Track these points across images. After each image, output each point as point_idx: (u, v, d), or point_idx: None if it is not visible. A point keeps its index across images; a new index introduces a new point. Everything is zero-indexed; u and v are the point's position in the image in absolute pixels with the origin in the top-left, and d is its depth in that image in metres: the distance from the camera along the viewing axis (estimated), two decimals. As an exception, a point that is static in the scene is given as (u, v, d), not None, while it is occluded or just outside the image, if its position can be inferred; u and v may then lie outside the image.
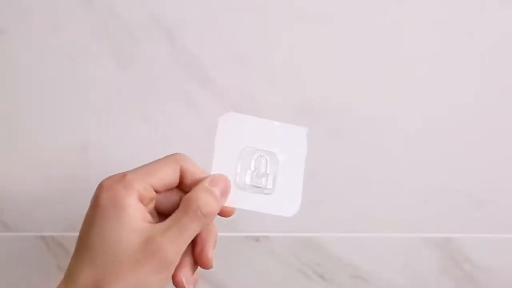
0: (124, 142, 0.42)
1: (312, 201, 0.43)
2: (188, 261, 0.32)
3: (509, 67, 0.40)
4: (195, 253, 0.33)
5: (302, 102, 0.41)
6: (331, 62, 0.40)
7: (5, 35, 0.40)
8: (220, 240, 0.44)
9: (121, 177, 0.31)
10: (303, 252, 0.44)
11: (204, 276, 0.45)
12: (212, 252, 0.33)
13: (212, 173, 0.33)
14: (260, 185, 0.34)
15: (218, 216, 0.44)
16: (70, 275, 0.29)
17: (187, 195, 0.31)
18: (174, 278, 0.31)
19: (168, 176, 0.32)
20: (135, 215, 0.30)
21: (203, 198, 0.31)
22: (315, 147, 0.42)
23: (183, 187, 0.32)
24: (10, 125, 0.42)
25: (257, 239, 0.44)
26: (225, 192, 0.32)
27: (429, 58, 0.40)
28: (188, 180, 0.32)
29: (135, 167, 0.39)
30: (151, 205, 0.32)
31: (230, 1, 0.39)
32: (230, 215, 0.34)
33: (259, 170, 0.34)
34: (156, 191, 0.32)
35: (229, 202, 0.33)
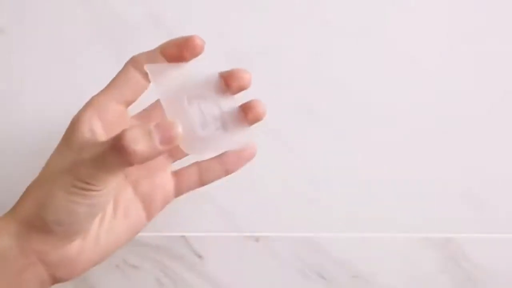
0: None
1: (312, 201, 0.43)
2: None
3: (508, 66, 0.40)
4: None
5: (303, 102, 0.41)
6: (331, 62, 0.40)
7: (4, 35, 0.40)
8: (220, 240, 0.44)
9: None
10: (303, 252, 0.44)
11: (204, 276, 0.45)
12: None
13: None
14: (213, 128, 0.33)
15: (216, 215, 0.44)
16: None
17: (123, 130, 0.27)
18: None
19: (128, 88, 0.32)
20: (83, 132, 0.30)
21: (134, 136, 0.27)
22: (314, 148, 0.42)
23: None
24: (9, 125, 0.42)
25: (257, 239, 0.44)
26: (167, 140, 0.28)
27: (428, 58, 0.40)
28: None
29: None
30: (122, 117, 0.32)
31: (230, 1, 0.39)
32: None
33: (207, 115, 0.33)
34: (128, 103, 0.32)
35: (192, 151, 0.31)
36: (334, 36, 0.40)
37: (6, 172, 0.43)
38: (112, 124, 0.32)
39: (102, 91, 0.33)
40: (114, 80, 0.33)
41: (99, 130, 0.31)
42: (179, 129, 0.28)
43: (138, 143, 0.27)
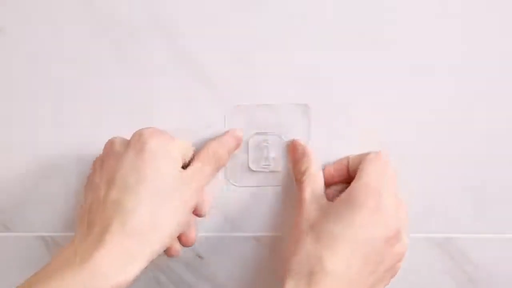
0: (124, 142, 0.42)
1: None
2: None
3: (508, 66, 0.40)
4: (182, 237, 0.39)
5: (303, 103, 0.41)
6: (331, 62, 0.40)
7: (4, 35, 0.40)
8: (220, 240, 0.44)
9: (162, 131, 0.37)
10: (303, 252, 0.44)
11: (204, 276, 0.45)
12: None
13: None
14: (267, 167, 0.42)
15: (220, 217, 0.44)
16: (127, 211, 0.33)
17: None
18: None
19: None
20: (179, 161, 0.37)
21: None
22: (315, 147, 0.42)
23: None
24: (9, 125, 0.42)
25: (257, 239, 0.44)
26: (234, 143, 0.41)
27: (425, 58, 0.40)
28: None
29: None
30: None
31: (230, 1, 0.39)
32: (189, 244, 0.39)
33: (266, 154, 0.41)
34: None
35: (242, 183, 0.42)
36: (333, 36, 0.40)
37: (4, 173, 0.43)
38: None
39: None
40: None
41: None
42: None
43: None
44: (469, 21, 0.39)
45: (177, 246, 0.39)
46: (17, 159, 0.43)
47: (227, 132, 0.41)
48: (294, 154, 0.41)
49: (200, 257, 0.45)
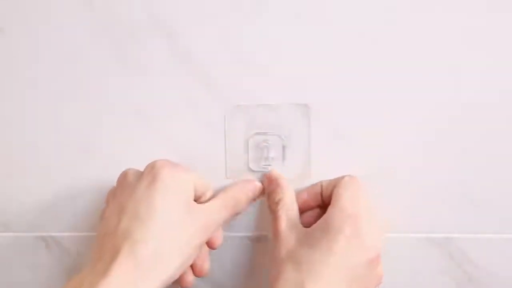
0: (124, 142, 0.42)
1: (312, 201, 0.43)
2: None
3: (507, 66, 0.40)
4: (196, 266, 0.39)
5: (303, 103, 0.41)
6: (331, 62, 0.40)
7: (4, 35, 0.40)
8: (220, 240, 0.44)
9: (175, 163, 0.37)
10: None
11: (204, 276, 0.45)
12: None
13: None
14: (266, 167, 0.42)
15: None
16: (136, 241, 0.33)
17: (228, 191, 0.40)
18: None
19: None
20: (190, 194, 0.36)
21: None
22: (316, 148, 0.42)
23: None
24: (9, 125, 0.42)
25: (257, 239, 0.44)
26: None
27: (429, 58, 0.40)
28: None
29: (135, 166, 0.39)
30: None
31: (230, 1, 0.39)
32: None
33: (266, 154, 0.42)
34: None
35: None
36: (334, 36, 0.40)
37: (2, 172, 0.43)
38: None
39: None
40: None
41: None
42: None
43: None
44: (468, 21, 0.39)
45: (190, 277, 0.39)
46: (17, 159, 0.43)
47: (248, 180, 0.41)
48: (269, 186, 0.41)
49: (200, 257, 0.45)
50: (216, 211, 0.38)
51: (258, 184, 0.41)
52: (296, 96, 0.41)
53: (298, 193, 0.41)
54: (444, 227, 0.43)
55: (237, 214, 0.40)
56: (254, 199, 0.41)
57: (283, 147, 0.42)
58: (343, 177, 0.40)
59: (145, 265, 0.33)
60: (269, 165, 0.42)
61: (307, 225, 0.38)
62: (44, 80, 0.41)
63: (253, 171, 0.42)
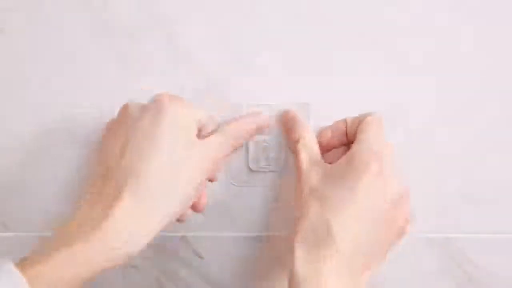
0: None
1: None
2: None
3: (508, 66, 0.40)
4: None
5: (302, 103, 0.41)
6: (331, 62, 0.40)
7: (4, 35, 0.40)
8: (220, 240, 0.44)
9: (180, 97, 0.37)
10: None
11: (204, 277, 0.45)
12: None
13: None
14: (267, 168, 0.42)
15: (216, 216, 0.44)
16: (139, 178, 0.33)
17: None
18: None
19: None
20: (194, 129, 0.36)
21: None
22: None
23: None
24: (9, 125, 0.42)
25: (257, 238, 0.44)
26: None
27: (429, 58, 0.40)
28: None
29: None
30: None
31: (230, 1, 0.39)
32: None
33: (266, 154, 0.42)
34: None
35: (242, 183, 0.43)
36: (333, 35, 0.40)
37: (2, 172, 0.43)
38: None
39: None
40: None
41: None
42: None
43: None
44: (469, 21, 0.39)
45: (188, 212, 0.38)
46: (17, 159, 0.43)
47: (254, 113, 0.41)
48: (286, 125, 0.41)
49: (200, 257, 0.45)
50: (217, 148, 0.37)
51: (264, 116, 0.40)
52: (296, 96, 0.41)
53: (322, 132, 0.40)
54: (444, 227, 0.43)
55: (238, 147, 0.39)
56: (260, 130, 0.40)
57: (283, 147, 0.42)
58: (366, 115, 0.38)
59: (148, 203, 0.33)
60: (269, 165, 0.42)
61: (330, 162, 0.37)
62: (44, 80, 0.41)
63: (253, 171, 0.42)
